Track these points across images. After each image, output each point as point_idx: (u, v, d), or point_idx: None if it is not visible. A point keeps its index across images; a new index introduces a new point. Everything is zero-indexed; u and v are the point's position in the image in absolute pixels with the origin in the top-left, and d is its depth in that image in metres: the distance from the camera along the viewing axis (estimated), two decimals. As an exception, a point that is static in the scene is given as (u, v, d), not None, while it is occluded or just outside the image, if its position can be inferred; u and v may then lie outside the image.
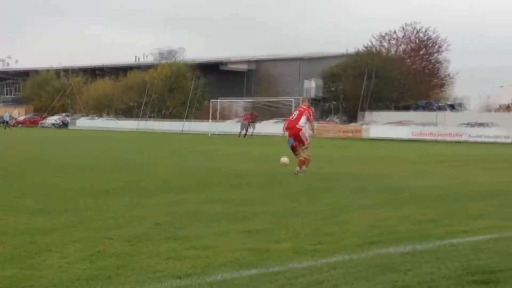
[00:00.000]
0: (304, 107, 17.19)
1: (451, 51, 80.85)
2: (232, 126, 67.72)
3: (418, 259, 6.42)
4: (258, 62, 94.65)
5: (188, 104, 78.72)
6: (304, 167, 16.40)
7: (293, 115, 17.25)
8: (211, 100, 66.19)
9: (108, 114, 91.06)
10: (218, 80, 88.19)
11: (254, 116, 56.09)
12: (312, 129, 17.33)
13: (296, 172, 16.18)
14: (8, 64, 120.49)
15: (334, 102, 78.47)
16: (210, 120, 63.06)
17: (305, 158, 16.61)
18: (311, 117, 17.09)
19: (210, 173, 16.05)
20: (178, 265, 6.00)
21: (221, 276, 5.60)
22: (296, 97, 65.49)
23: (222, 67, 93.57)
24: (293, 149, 16.84)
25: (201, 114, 79.97)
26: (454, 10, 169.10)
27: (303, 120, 16.71)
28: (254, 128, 54.98)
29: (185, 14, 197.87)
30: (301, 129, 16.67)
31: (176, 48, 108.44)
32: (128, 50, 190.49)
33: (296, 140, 16.69)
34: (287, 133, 16.90)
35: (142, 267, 5.89)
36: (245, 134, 53.24)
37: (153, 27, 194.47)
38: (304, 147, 16.72)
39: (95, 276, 5.52)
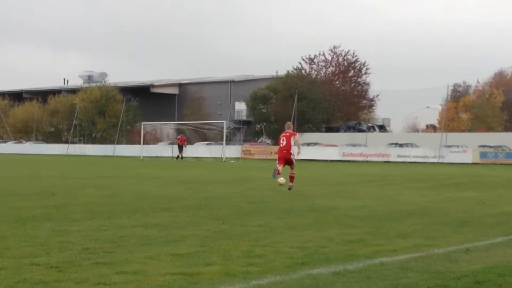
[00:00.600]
0: (290, 131, 19.60)
1: (372, 74, 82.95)
2: (163, 149, 67.42)
3: (348, 279, 6.48)
4: (188, 85, 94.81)
5: (118, 127, 77.93)
6: (293, 183, 18.88)
7: (282, 142, 19.37)
8: (142, 123, 65.77)
9: (36, 137, 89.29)
10: (148, 103, 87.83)
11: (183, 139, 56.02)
12: (299, 150, 19.45)
13: (289, 187, 18.61)
14: None
15: (264, 124, 78.96)
16: (141, 143, 62.57)
17: (293, 174, 19.09)
18: (299, 139, 19.90)
19: (139, 196, 15.87)
20: (107, 290, 5.89)
21: (151, 301, 5.53)
22: (226, 120, 65.83)
23: (152, 90, 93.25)
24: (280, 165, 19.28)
25: (132, 137, 79.37)
26: (376, 32, 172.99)
27: (292, 143, 19.16)
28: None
29: (110, 38, 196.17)
30: (291, 154, 19.19)
31: (104, 71, 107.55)
32: (55, 74, 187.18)
33: (286, 163, 19.25)
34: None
35: (69, 293, 5.76)
36: (182, 157, 53.17)
37: (78, 50, 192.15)
38: (292, 166, 19.25)
39: (20, 304, 5.37)
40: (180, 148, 54.06)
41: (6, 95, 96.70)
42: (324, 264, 7.22)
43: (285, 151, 19.19)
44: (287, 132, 19.44)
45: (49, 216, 11.37)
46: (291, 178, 18.90)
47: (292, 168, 19.12)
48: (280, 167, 19.11)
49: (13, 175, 25.56)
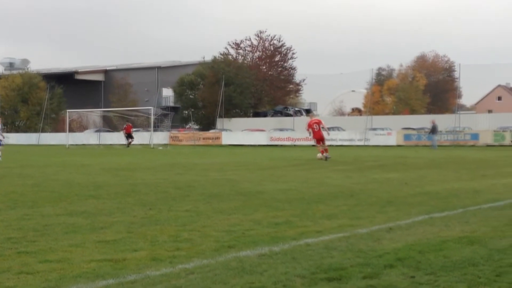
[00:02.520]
0: (317, 119, 29.50)
1: (298, 59, 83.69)
2: (90, 137, 66.46)
3: (274, 260, 6.57)
4: (114, 71, 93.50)
5: (42, 115, 76.33)
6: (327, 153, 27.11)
7: (315, 127, 27.67)
8: (67, 111, 64.56)
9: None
10: (73, 90, 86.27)
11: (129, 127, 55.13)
12: (327, 132, 29.27)
13: (326, 157, 26.77)
14: None
15: (192, 110, 78.65)
16: (67, 131, 61.47)
17: (326, 148, 27.86)
18: (324, 123, 28.74)
19: (65, 184, 15.62)
20: (30, 279, 5.81)
21: (76, 287, 5.48)
22: (153, 107, 65.27)
23: (77, 77, 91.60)
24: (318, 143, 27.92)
25: (58, 125, 77.90)
26: (301, 17, 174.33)
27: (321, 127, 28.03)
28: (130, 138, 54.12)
29: (32, 24, 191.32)
30: (322, 134, 28.03)
31: (26, 58, 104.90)
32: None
33: (321, 141, 27.75)
34: (312, 135, 28.04)
35: (-9, 283, 5.66)
36: (129, 144, 52.56)
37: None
38: (325, 144, 28.00)
39: None
40: (129, 136, 53.24)
41: None
42: (250, 247, 7.29)
43: (320, 134, 27.65)
44: (316, 120, 28.67)
45: (-30, 207, 11.10)
46: (326, 151, 27.47)
47: (324, 144, 27.81)
48: (320, 147, 27.57)
49: None
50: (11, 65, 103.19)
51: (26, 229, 8.57)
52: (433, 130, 46.28)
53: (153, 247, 7.31)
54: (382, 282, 5.62)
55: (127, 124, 56.03)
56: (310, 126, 27.70)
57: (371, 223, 9.02)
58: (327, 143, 28.82)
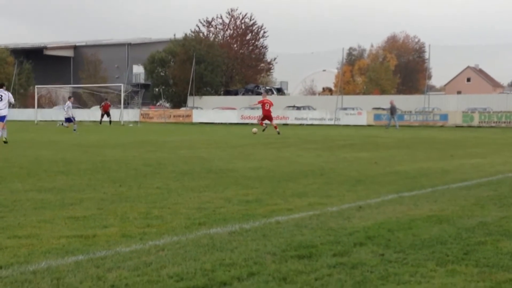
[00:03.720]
0: (269, 100, 33.23)
1: (270, 37, 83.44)
2: (59, 113, 65.78)
3: (245, 238, 6.58)
4: (83, 47, 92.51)
5: (11, 91, 75.29)
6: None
7: (267, 106, 32.02)
8: (36, 86, 63.80)
9: None
10: (42, 66, 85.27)
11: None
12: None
13: (278, 132, 30.93)
14: None
15: (163, 87, 78.23)
16: (35, 107, 60.78)
17: (276, 125, 32.15)
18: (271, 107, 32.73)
19: (34, 161, 15.48)
20: (-1, 255, 5.76)
21: (45, 263, 5.44)
22: (123, 84, 64.84)
23: (46, 52, 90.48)
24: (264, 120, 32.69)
25: (26, 101, 77.01)
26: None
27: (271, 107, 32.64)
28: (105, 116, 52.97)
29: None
30: (271, 112, 32.68)
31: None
32: None
33: (269, 119, 32.36)
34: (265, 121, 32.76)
35: (-41, 259, 5.60)
36: (110, 121, 51.44)
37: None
38: (272, 122, 32.48)
39: None
40: (107, 114, 52.13)
41: None
42: (221, 224, 7.30)
43: (269, 113, 32.13)
44: (267, 100, 32.64)
45: None
46: (276, 127, 31.60)
47: (272, 123, 32.19)
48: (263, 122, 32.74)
49: None
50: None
51: (-6, 205, 8.48)
52: (392, 110, 46.35)
53: (123, 224, 7.29)
54: (352, 260, 5.66)
55: (105, 102, 55.38)
56: (261, 102, 32.64)
57: (341, 202, 9.07)
58: (275, 121, 33.84)
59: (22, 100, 78.67)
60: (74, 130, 34.18)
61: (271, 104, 32.52)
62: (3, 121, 22.46)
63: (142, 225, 7.23)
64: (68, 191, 9.92)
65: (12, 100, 23.14)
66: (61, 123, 38.40)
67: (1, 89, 22.63)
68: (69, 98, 39.12)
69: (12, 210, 8.09)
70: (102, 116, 52.72)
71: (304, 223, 7.36)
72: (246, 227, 7.09)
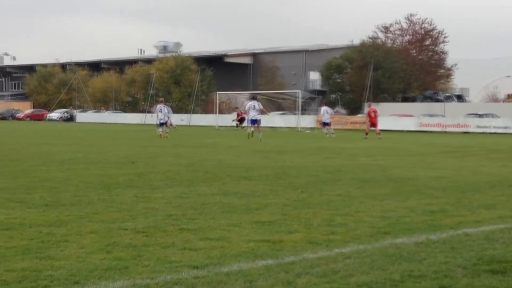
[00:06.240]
0: (373, 108, 37.83)
1: (450, 42, 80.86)
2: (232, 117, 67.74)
3: (432, 249, 6.44)
4: (261, 54, 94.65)
5: (193, 97, 78.67)
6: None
7: (373, 114, 37.35)
8: (217, 93, 66.15)
9: (114, 107, 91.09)
10: (222, 73, 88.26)
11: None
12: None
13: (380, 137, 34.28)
14: (3, 60, 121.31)
15: (339, 94, 78.34)
16: (216, 113, 62.99)
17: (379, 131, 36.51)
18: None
19: (217, 165, 16.04)
20: (193, 255, 6.03)
21: (238, 266, 5.63)
22: (300, 90, 65.59)
23: (226, 60, 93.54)
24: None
25: (207, 106, 79.99)
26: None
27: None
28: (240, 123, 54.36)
29: (183, 8, 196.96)
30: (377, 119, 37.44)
31: (179, 41, 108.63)
32: (130, 44, 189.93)
33: (374, 126, 37.00)
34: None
35: (158, 257, 5.93)
36: (237, 125, 53.03)
37: (152, 21, 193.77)
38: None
39: (112, 266, 5.56)
40: (240, 120, 53.58)
41: (86, 65, 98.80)
42: (406, 234, 7.19)
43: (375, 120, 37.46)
44: (373, 109, 38.06)
45: (132, 183, 11.66)
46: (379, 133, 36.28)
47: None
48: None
49: (95, 144, 26.20)
50: (164, 48, 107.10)
51: (185, 207, 8.89)
52: None
53: (308, 230, 7.37)
54: (550, 278, 5.36)
55: (240, 111, 56.54)
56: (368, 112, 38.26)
57: (533, 215, 8.62)
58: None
59: (204, 106, 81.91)
60: (167, 134, 33.89)
61: (376, 112, 38.01)
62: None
63: (327, 232, 7.28)
64: (251, 196, 10.19)
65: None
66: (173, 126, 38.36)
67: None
68: (160, 101, 38.21)
69: (201, 213, 8.44)
70: (239, 121, 53.71)
71: (495, 237, 7.07)
72: (433, 238, 6.93)
